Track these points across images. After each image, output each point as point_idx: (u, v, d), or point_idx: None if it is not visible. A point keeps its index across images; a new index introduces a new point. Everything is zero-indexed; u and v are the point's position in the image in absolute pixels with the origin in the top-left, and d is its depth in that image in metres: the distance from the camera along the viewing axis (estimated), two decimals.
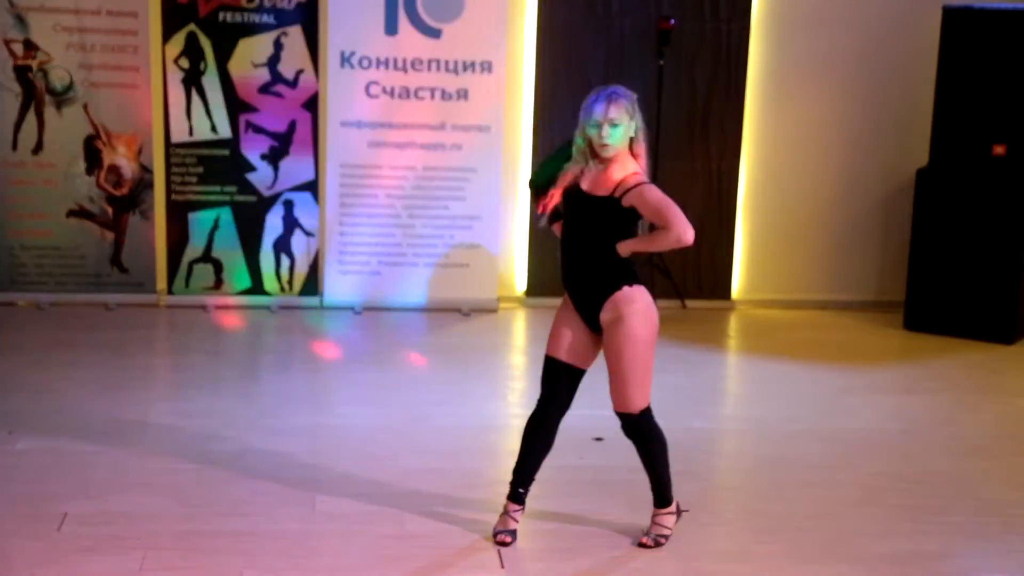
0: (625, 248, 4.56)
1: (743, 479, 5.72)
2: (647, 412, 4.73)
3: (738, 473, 5.83)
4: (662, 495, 4.80)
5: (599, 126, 4.49)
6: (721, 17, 8.65)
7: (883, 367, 7.61)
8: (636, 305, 4.57)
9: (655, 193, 4.51)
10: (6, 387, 6.49)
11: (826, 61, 8.81)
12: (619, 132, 4.50)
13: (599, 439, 5.94)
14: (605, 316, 4.59)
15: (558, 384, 4.74)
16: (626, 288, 4.57)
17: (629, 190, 4.49)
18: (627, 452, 5.77)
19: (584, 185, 4.59)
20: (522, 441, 4.82)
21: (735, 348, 8.15)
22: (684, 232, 4.46)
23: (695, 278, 8.94)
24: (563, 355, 4.72)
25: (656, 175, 8.33)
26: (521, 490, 4.79)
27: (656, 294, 8.29)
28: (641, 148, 4.62)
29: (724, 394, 7.31)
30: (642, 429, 4.73)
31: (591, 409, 6.44)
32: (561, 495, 5.25)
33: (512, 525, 4.77)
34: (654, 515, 4.81)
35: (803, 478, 5.58)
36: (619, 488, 5.34)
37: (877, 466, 5.79)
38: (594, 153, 4.55)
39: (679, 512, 4.88)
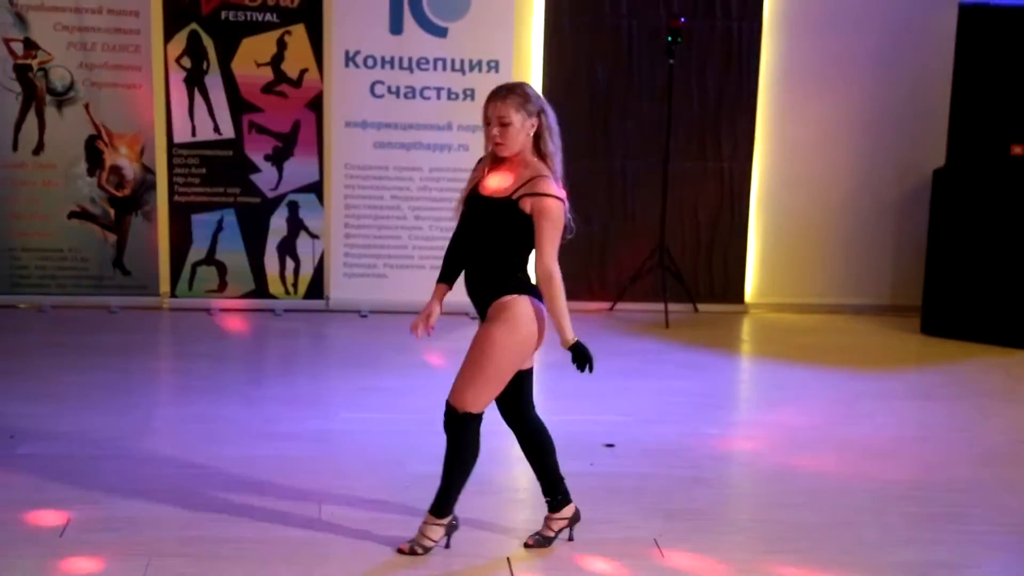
0: (571, 336, 4.46)
1: (756, 486, 5.72)
2: (473, 419, 4.51)
3: (751, 480, 5.81)
4: (442, 505, 4.62)
5: (489, 124, 4.39)
6: (732, 16, 8.66)
7: (899, 372, 7.61)
8: (509, 312, 4.42)
9: (556, 212, 4.35)
10: (8, 391, 6.51)
11: (840, 60, 8.82)
12: (511, 131, 4.35)
13: (610, 445, 5.94)
14: (488, 315, 4.48)
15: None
16: (507, 297, 4.43)
17: (530, 194, 4.34)
18: (637, 459, 5.80)
19: (481, 188, 4.46)
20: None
21: (748, 352, 8.15)
22: (553, 268, 4.36)
23: (707, 281, 8.95)
24: None
25: (667, 175, 8.45)
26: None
27: (668, 297, 8.45)
28: (549, 148, 4.45)
29: (737, 399, 7.31)
30: (457, 430, 4.54)
31: (601, 415, 6.47)
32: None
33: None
34: (426, 521, 4.64)
35: (817, 485, 5.57)
36: (629, 494, 5.34)
37: (893, 473, 5.77)
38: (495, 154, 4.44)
39: (451, 528, 4.68)
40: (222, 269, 8.46)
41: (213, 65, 8.29)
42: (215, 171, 8.37)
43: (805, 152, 8.95)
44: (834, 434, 6.33)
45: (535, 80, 8.67)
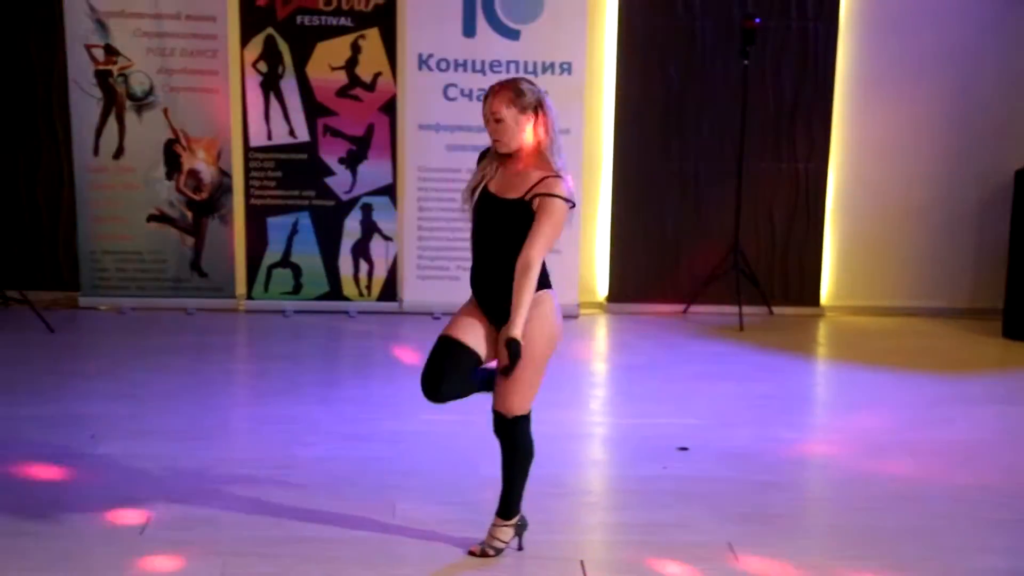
0: (518, 332, 4.29)
1: (832, 491, 5.68)
2: (523, 420, 4.57)
3: (827, 484, 5.78)
4: (508, 506, 4.66)
5: (487, 122, 4.40)
6: (808, 16, 8.61)
7: (980, 376, 7.52)
8: (542, 308, 4.41)
9: (559, 213, 4.33)
10: (89, 392, 6.64)
11: (918, 61, 8.73)
12: (505, 127, 4.35)
13: (683, 449, 5.94)
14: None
15: (444, 359, 4.52)
16: (537, 293, 4.39)
17: (540, 195, 4.33)
18: (711, 462, 5.78)
19: (492, 187, 4.45)
20: None
21: (824, 355, 8.09)
22: (536, 261, 4.30)
23: (782, 283, 8.90)
24: (460, 334, 4.52)
25: (741, 176, 8.42)
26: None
27: (743, 300, 8.41)
28: (546, 141, 4.39)
29: (813, 403, 7.26)
30: (513, 435, 4.57)
31: (675, 418, 6.46)
32: (644, 506, 5.26)
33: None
34: (494, 524, 4.68)
35: (894, 490, 5.53)
36: (702, 498, 5.33)
37: (972, 479, 5.70)
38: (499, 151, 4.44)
39: (519, 528, 4.72)
40: (297, 271, 8.57)
41: (288, 69, 8.39)
42: (290, 174, 8.46)
43: (882, 153, 8.86)
44: (912, 438, 6.27)
45: (608, 81, 8.68)
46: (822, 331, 8.61)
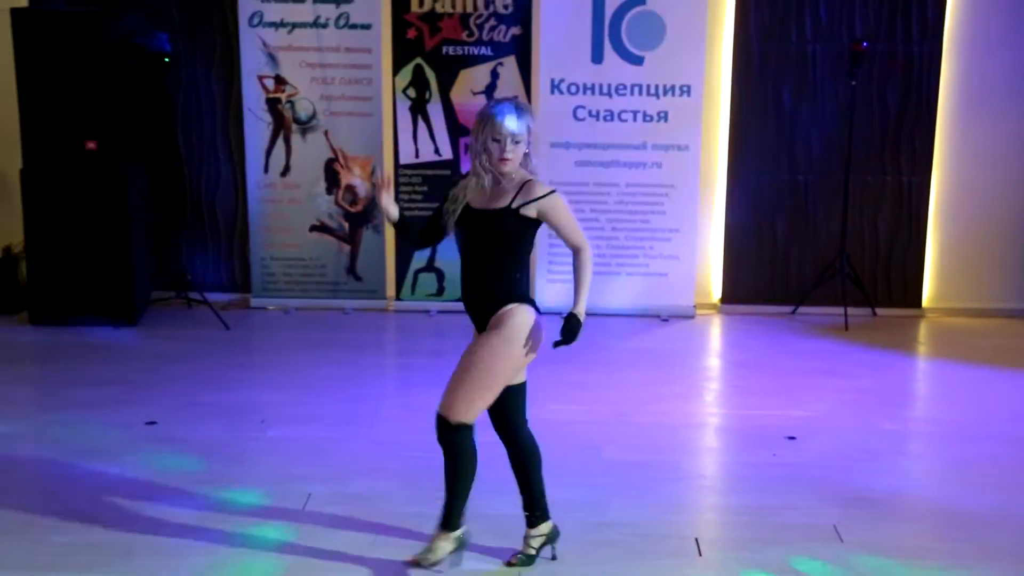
0: (581, 311, 4.16)
1: (932, 479, 5.55)
2: (465, 429, 4.15)
3: (927, 473, 5.65)
4: (448, 517, 4.32)
5: (503, 142, 4.06)
6: (913, 39, 8.42)
7: None
8: (511, 320, 4.11)
9: (563, 201, 4.15)
10: (259, 382, 6.83)
11: (1019, 77, 8.46)
12: (520, 149, 4.09)
13: (791, 438, 5.87)
14: (489, 326, 4.16)
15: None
16: (511, 306, 4.13)
17: (531, 200, 4.09)
18: (817, 451, 5.70)
19: (476, 203, 4.14)
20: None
21: (925, 354, 7.90)
22: (584, 241, 4.19)
23: (885, 286, 8.71)
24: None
25: (848, 188, 8.27)
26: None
27: (848, 302, 8.25)
28: (530, 150, 4.15)
29: (913, 397, 7.09)
30: (452, 441, 4.17)
31: (783, 410, 6.38)
32: (754, 490, 5.22)
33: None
34: (436, 536, 4.35)
35: (993, 480, 5.38)
36: (809, 484, 5.26)
37: None
38: (490, 165, 4.11)
39: (461, 542, 4.40)
40: (440, 275, 8.67)
41: (434, 94, 8.50)
42: (435, 188, 8.56)
43: (984, 164, 8.60)
44: (1010, 431, 6.08)
45: (724, 101, 8.61)
46: (923, 331, 8.41)
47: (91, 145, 7.88)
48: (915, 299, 8.74)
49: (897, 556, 4.55)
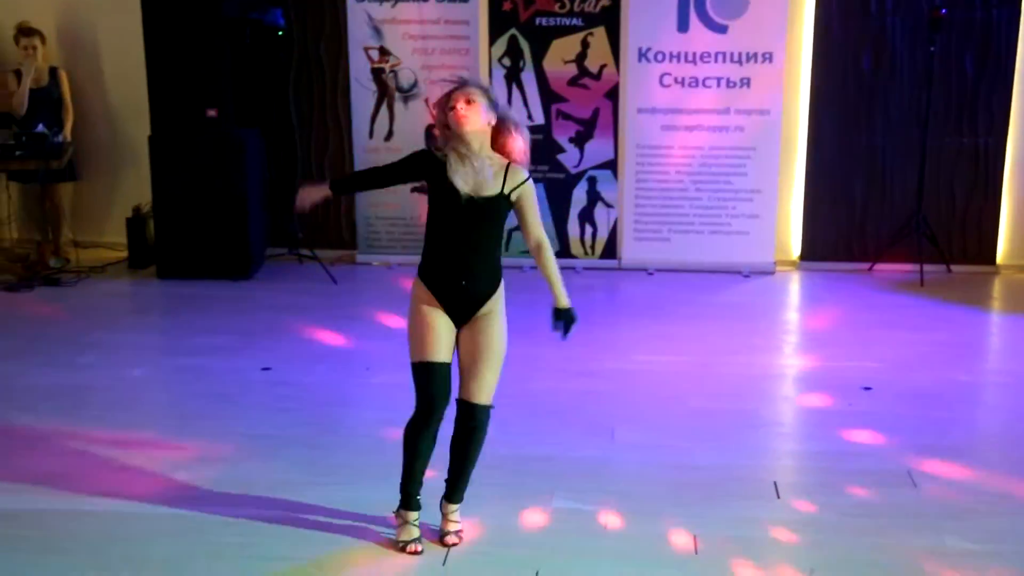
0: (568, 301, 4.06)
1: (1003, 427, 5.36)
2: (489, 410, 3.99)
3: (1000, 422, 5.46)
4: (461, 492, 4.10)
5: (455, 102, 3.84)
6: (992, 4, 8.08)
7: None
8: (502, 301, 3.99)
9: (534, 194, 3.96)
10: (363, 332, 6.87)
11: None
12: (475, 110, 3.83)
13: (867, 388, 5.72)
14: (483, 310, 3.94)
15: (444, 385, 3.90)
16: (501, 286, 3.98)
17: (519, 184, 3.90)
18: (893, 400, 5.54)
19: (464, 186, 3.82)
20: (407, 451, 3.99)
21: (999, 308, 7.63)
22: (544, 236, 4.01)
23: (960, 244, 8.44)
24: (443, 355, 3.90)
25: (925, 150, 8.00)
26: (418, 498, 4.07)
27: (923, 259, 8.02)
28: (502, 128, 3.93)
29: (987, 351, 6.86)
30: (481, 423, 3.98)
31: (860, 361, 6.22)
32: (830, 437, 5.09)
33: (417, 533, 4.03)
34: (451, 512, 4.10)
35: None
36: (884, 431, 5.11)
37: None
38: (452, 138, 3.86)
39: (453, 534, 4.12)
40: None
41: (528, 63, 8.41)
42: (528, 152, 8.48)
43: None
44: None
45: (804, 68, 8.37)
46: (997, 287, 8.12)
47: (212, 113, 7.97)
48: (990, 256, 8.44)
49: (971, 497, 4.40)
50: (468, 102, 3.85)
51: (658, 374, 6.02)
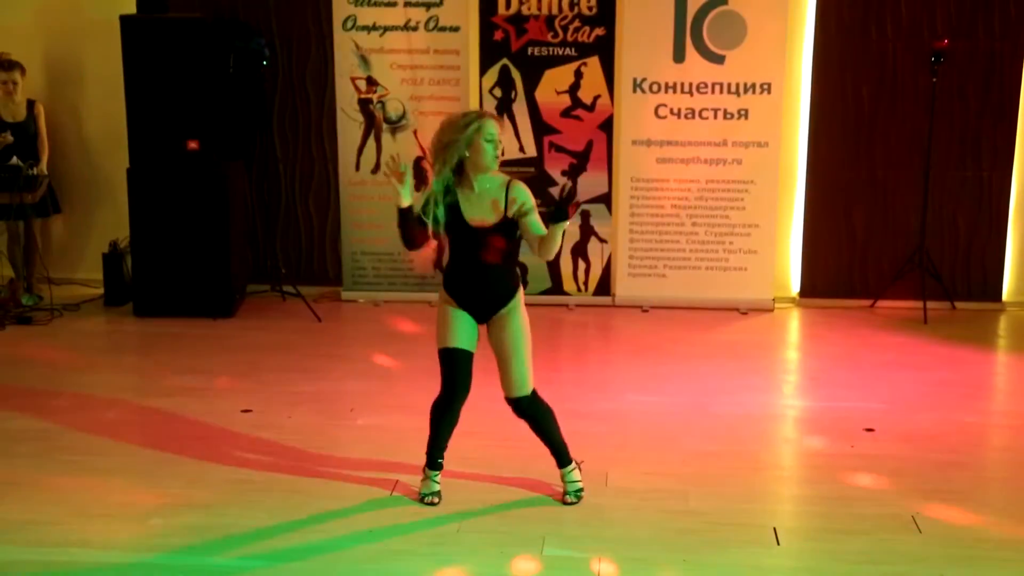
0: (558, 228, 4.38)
1: (1012, 471, 5.38)
2: (532, 395, 4.68)
3: (1007, 465, 5.48)
4: (564, 456, 4.81)
5: (495, 141, 4.47)
6: (995, 36, 8.18)
7: None
8: (522, 299, 4.64)
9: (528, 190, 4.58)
10: (348, 372, 6.86)
11: None
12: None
13: (870, 430, 5.73)
14: (503, 310, 4.59)
15: (465, 370, 4.64)
16: (520, 288, 4.66)
17: (518, 204, 4.49)
18: (896, 442, 5.56)
19: (470, 214, 4.52)
20: (433, 424, 4.78)
21: (1005, 347, 7.67)
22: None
23: (964, 280, 8.49)
24: (464, 344, 4.61)
25: (928, 183, 8.06)
26: (440, 460, 4.83)
27: (926, 296, 8.06)
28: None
29: (994, 390, 6.88)
30: (535, 407, 4.69)
31: (862, 402, 6.24)
32: (832, 480, 5.10)
33: (436, 487, 4.82)
34: (564, 475, 4.82)
35: None
36: (886, 475, 5.13)
37: None
38: (466, 169, 4.50)
39: (578, 465, 4.88)
40: (523, 269, 8.63)
41: (520, 94, 8.47)
42: None
43: None
44: None
45: (804, 98, 8.45)
46: (1003, 325, 8.16)
47: (193, 145, 8.01)
48: (995, 293, 8.49)
49: (976, 548, 4.41)
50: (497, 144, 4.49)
51: (653, 415, 6.03)
